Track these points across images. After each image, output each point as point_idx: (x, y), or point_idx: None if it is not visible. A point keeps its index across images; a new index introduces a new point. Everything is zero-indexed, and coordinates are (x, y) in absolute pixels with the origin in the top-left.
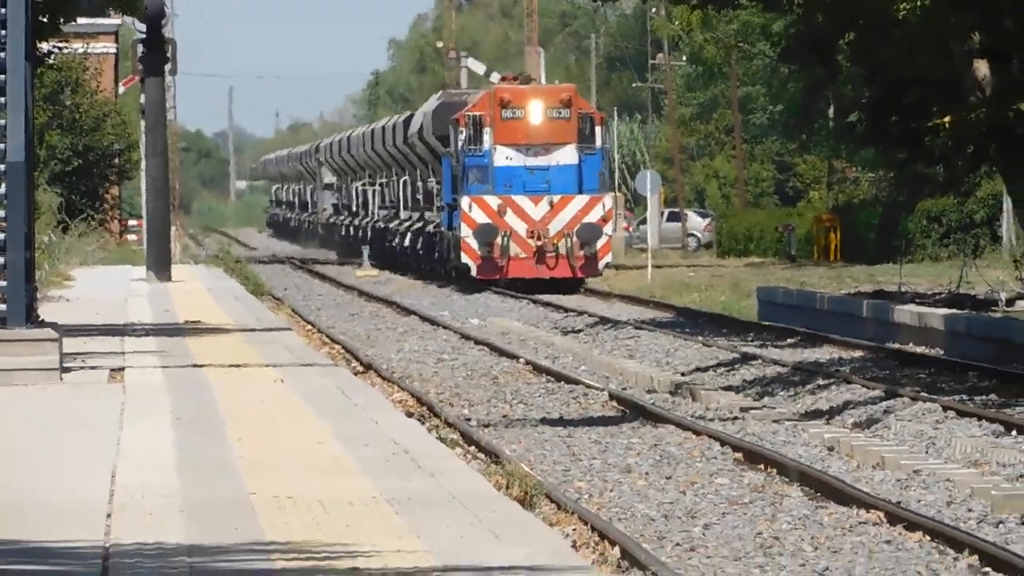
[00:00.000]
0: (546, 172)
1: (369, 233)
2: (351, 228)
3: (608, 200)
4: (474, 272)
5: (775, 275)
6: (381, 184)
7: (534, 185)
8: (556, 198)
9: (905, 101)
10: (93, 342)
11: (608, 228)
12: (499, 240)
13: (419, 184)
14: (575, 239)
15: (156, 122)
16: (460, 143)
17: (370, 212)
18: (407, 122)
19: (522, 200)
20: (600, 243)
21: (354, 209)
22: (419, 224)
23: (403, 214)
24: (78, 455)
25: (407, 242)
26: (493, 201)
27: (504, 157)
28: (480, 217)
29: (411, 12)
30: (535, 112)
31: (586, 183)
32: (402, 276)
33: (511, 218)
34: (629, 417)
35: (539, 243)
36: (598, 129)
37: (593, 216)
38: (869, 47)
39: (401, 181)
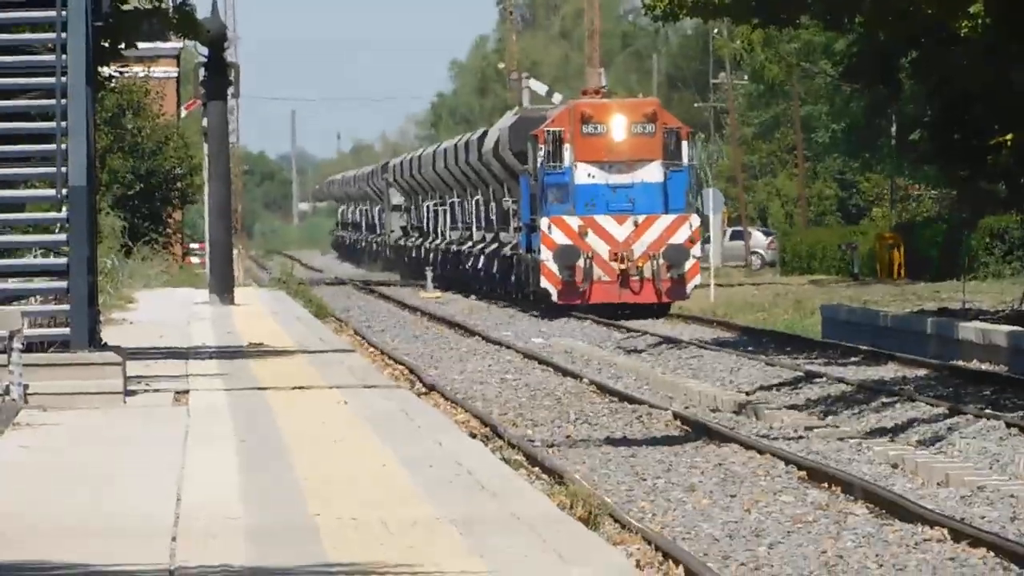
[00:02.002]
0: (630, 190)
1: (440, 255)
2: (421, 250)
3: (695, 220)
4: (555, 297)
5: (838, 293)
6: (453, 204)
7: (617, 204)
8: (641, 218)
9: (967, 118)
10: (156, 365)
11: (696, 249)
12: (581, 263)
13: (493, 204)
14: (661, 261)
15: (219, 146)
16: (539, 160)
17: (440, 233)
18: (481, 139)
19: (605, 220)
20: (688, 265)
21: (425, 230)
22: (494, 246)
23: (476, 235)
24: (142, 478)
25: (481, 264)
26: (574, 221)
27: (586, 175)
28: (560, 238)
29: (472, 34)
30: (618, 127)
31: (672, 202)
32: (465, 297)
33: (593, 239)
34: (693, 436)
35: (623, 266)
36: (684, 144)
37: (680, 236)
38: (931, 64)
39: (474, 201)
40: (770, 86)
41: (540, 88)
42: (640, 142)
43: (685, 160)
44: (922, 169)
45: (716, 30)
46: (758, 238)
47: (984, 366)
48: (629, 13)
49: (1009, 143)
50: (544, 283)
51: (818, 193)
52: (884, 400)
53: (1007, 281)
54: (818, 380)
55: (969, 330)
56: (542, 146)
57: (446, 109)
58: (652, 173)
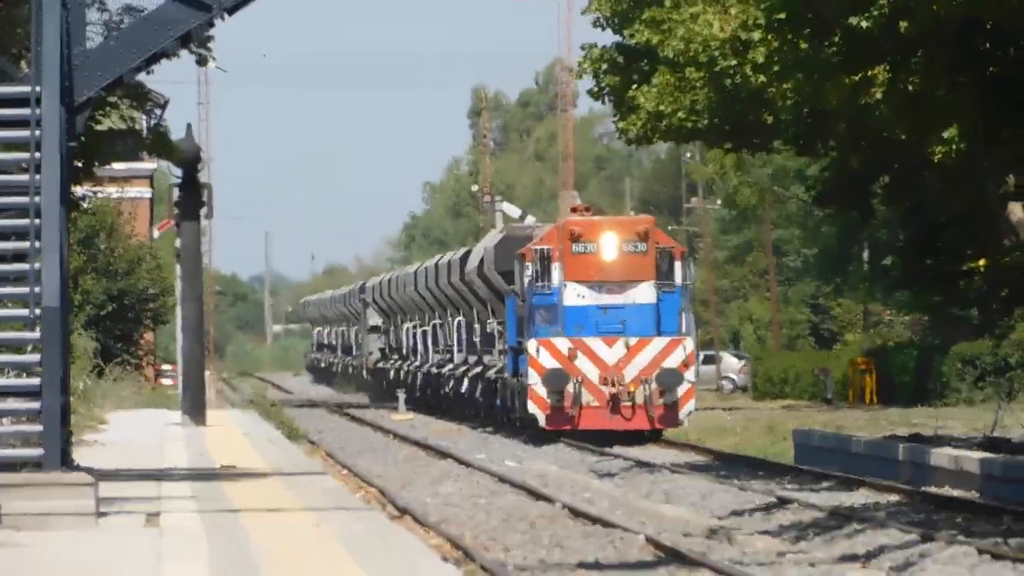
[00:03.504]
0: (621, 311)
1: (420, 378)
2: (400, 372)
3: (690, 343)
4: (542, 423)
5: (812, 418)
6: (434, 325)
7: (608, 326)
8: (632, 340)
9: (939, 243)
10: (129, 487)
11: (690, 374)
12: (570, 387)
13: (477, 325)
14: (654, 386)
15: (192, 266)
16: (526, 280)
17: (420, 355)
18: (464, 258)
19: (595, 343)
20: (682, 390)
21: (404, 352)
22: (478, 369)
23: (458, 358)
24: None
25: (464, 388)
26: (563, 344)
27: (575, 295)
28: (549, 362)
29: (447, 156)
30: (609, 246)
31: (665, 324)
32: (439, 420)
33: (583, 362)
34: (665, 561)
35: (614, 390)
36: (677, 264)
37: (673, 360)
38: (904, 190)
39: (456, 322)
40: (743, 211)
41: (513, 211)
42: (632, 261)
43: (679, 280)
44: (894, 294)
45: (689, 154)
46: (730, 362)
47: (956, 492)
48: (603, 136)
49: (982, 268)
50: (532, 408)
51: (790, 318)
52: (856, 526)
53: (979, 407)
54: (790, 506)
55: (941, 456)
56: (529, 265)
57: (419, 230)
58: (644, 294)
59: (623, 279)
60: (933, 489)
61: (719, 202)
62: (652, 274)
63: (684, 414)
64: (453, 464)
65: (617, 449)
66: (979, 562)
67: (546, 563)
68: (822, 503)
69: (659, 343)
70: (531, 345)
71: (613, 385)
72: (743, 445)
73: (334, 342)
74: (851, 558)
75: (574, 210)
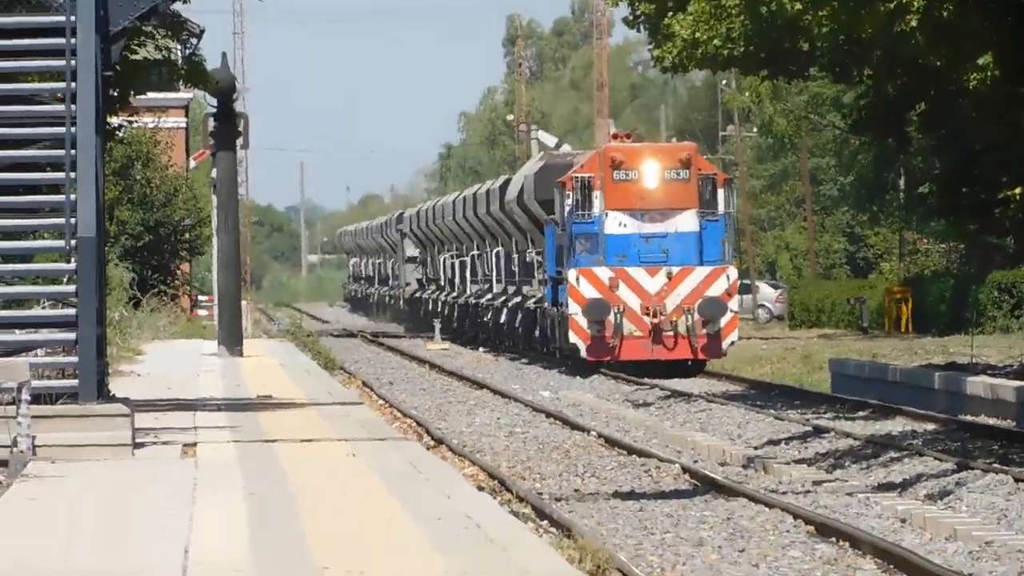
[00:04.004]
0: (663, 240)
1: (458, 309)
2: (438, 303)
3: (733, 272)
4: (584, 353)
5: (847, 347)
6: (472, 256)
7: (650, 255)
8: (675, 270)
9: (975, 172)
10: (165, 417)
11: (734, 303)
12: (611, 317)
13: (516, 255)
14: (696, 316)
15: (227, 197)
16: (567, 209)
17: (458, 286)
18: (504, 187)
19: (637, 272)
20: (724, 320)
21: (441, 283)
22: (517, 299)
23: (497, 288)
24: (150, 530)
25: (503, 319)
26: (604, 273)
27: (617, 224)
28: (590, 292)
29: (481, 85)
30: (651, 174)
31: (707, 253)
32: (474, 350)
33: (624, 292)
34: (701, 491)
35: (655, 320)
36: (720, 192)
37: (716, 289)
38: (940, 117)
39: (495, 253)
40: (778, 139)
41: (549, 140)
42: (674, 189)
43: (721, 208)
44: (930, 223)
45: (724, 82)
46: (766, 291)
47: (992, 421)
48: (638, 65)
49: (1018, 197)
50: (572, 338)
51: (826, 246)
52: (892, 455)
53: (1015, 335)
54: (826, 435)
55: (977, 385)
56: (570, 193)
57: (455, 161)
58: (687, 222)
59: (665, 207)
60: (969, 418)
61: (755, 130)
62: (695, 202)
63: (727, 344)
64: (488, 394)
65: (653, 380)
66: (1015, 490)
67: (581, 492)
68: (858, 432)
69: (702, 272)
70: (571, 275)
71: (655, 315)
72: (779, 374)
73: (371, 273)
74: (887, 487)
75: (615, 137)
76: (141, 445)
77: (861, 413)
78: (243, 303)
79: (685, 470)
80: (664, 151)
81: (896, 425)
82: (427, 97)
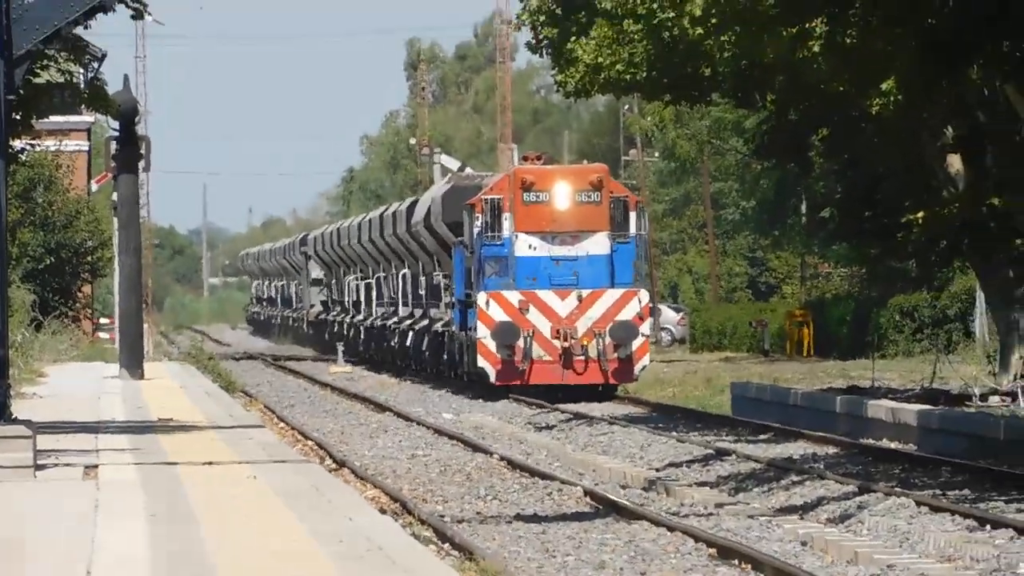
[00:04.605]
0: (574, 263)
1: (364, 332)
2: (343, 326)
3: (644, 295)
4: (492, 378)
5: (749, 370)
6: (379, 278)
7: (560, 278)
8: (585, 292)
9: (878, 196)
10: (67, 439)
11: (645, 327)
12: (521, 341)
13: (423, 278)
14: (608, 339)
15: (129, 219)
16: (476, 231)
17: (363, 309)
18: (411, 209)
19: (547, 295)
20: (636, 344)
21: (346, 306)
22: (424, 323)
23: (403, 311)
24: (52, 552)
25: (409, 342)
26: (514, 296)
27: (527, 246)
28: (499, 315)
29: (384, 109)
30: (561, 195)
31: (619, 275)
32: (377, 373)
33: (534, 315)
34: (603, 513)
35: (566, 344)
36: (632, 215)
37: (628, 313)
38: (842, 143)
39: (401, 275)
40: (681, 163)
41: (452, 163)
42: (585, 211)
43: (633, 231)
44: (831, 247)
45: (627, 106)
46: (668, 314)
47: (894, 444)
48: (540, 89)
49: (920, 221)
50: (481, 363)
51: (728, 270)
52: (794, 478)
53: (916, 359)
54: (728, 457)
55: (879, 408)
56: (479, 216)
57: (357, 184)
58: (598, 245)
59: (576, 229)
60: (871, 441)
61: (657, 155)
62: (606, 224)
63: (639, 368)
64: (391, 417)
65: (558, 404)
66: (917, 513)
67: (484, 515)
68: (760, 455)
69: (613, 295)
70: (481, 298)
71: (565, 339)
72: (681, 397)
73: (274, 295)
74: (789, 509)
75: (525, 159)
76: (43, 467)
77: (763, 436)
78: (144, 326)
79: (587, 493)
80: (575, 173)
81: (798, 448)
82: (329, 120)
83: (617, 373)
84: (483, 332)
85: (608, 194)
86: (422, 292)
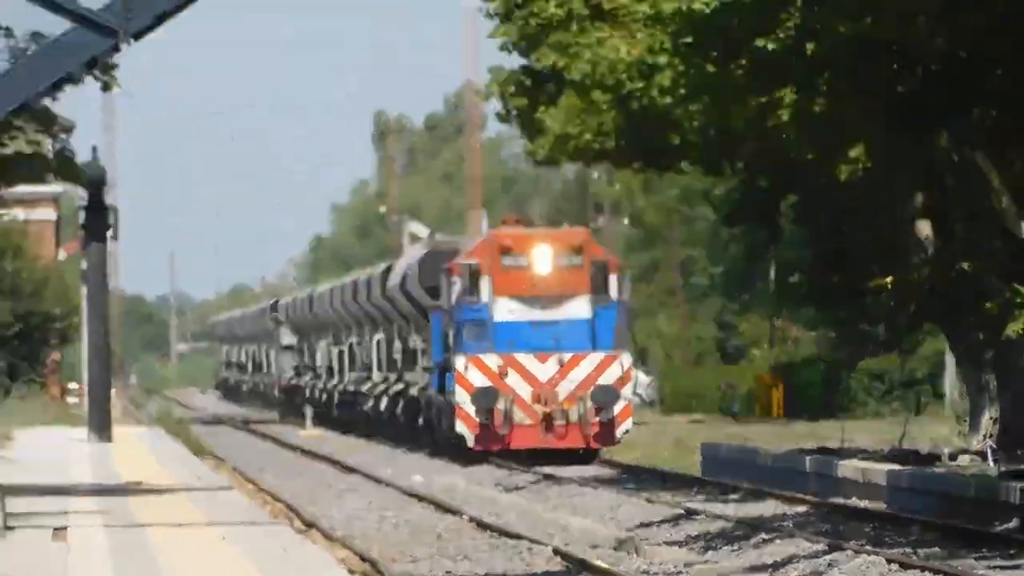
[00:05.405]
0: (555, 327)
1: (337, 397)
2: (315, 391)
3: (627, 358)
4: (471, 443)
5: (719, 432)
6: (352, 344)
7: (540, 342)
8: (567, 356)
9: (846, 261)
10: (36, 502)
11: (627, 391)
12: (501, 406)
13: (398, 343)
14: (589, 403)
15: (98, 287)
16: (454, 295)
17: (335, 374)
18: (385, 274)
19: (526, 359)
20: (618, 408)
21: (318, 371)
22: (399, 387)
23: (376, 375)
24: None
25: (383, 406)
26: (493, 361)
27: (506, 310)
28: (478, 379)
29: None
30: (541, 259)
31: (600, 339)
32: (348, 436)
33: (514, 380)
34: (573, 572)
35: (547, 408)
36: (613, 278)
37: (609, 377)
38: (811, 209)
39: (375, 340)
40: (650, 230)
41: (421, 231)
42: (566, 275)
43: (614, 294)
44: (800, 311)
45: (596, 174)
46: (639, 378)
47: (864, 503)
48: (509, 158)
49: (889, 285)
50: (460, 427)
51: (697, 335)
52: (764, 536)
53: (886, 421)
54: (698, 517)
55: (848, 468)
56: (457, 279)
57: (326, 252)
58: (579, 308)
59: (557, 293)
60: (841, 500)
61: (626, 221)
62: (587, 288)
63: (621, 432)
64: (360, 479)
65: (526, 464)
66: (888, 571)
67: (453, 574)
68: (730, 514)
69: (594, 359)
70: (459, 362)
71: (546, 403)
72: (651, 458)
73: (244, 360)
74: (759, 568)
75: (504, 222)
76: (12, 528)
77: (733, 496)
78: (112, 391)
79: (557, 552)
80: (555, 236)
81: (768, 507)
82: (297, 189)
83: (599, 437)
84: (462, 396)
85: (589, 257)
86: (396, 357)
